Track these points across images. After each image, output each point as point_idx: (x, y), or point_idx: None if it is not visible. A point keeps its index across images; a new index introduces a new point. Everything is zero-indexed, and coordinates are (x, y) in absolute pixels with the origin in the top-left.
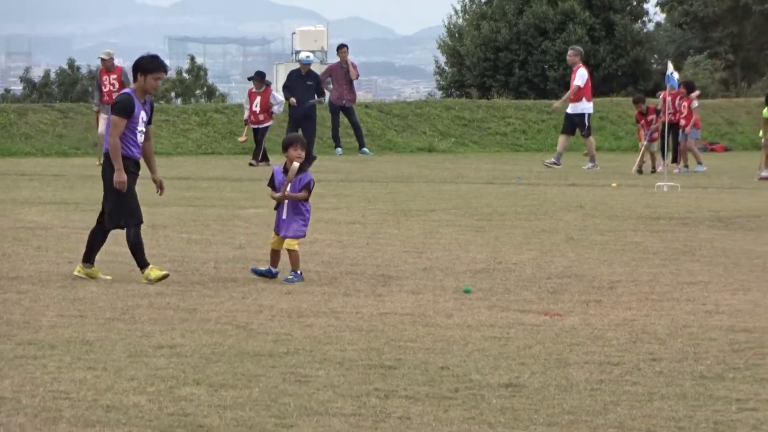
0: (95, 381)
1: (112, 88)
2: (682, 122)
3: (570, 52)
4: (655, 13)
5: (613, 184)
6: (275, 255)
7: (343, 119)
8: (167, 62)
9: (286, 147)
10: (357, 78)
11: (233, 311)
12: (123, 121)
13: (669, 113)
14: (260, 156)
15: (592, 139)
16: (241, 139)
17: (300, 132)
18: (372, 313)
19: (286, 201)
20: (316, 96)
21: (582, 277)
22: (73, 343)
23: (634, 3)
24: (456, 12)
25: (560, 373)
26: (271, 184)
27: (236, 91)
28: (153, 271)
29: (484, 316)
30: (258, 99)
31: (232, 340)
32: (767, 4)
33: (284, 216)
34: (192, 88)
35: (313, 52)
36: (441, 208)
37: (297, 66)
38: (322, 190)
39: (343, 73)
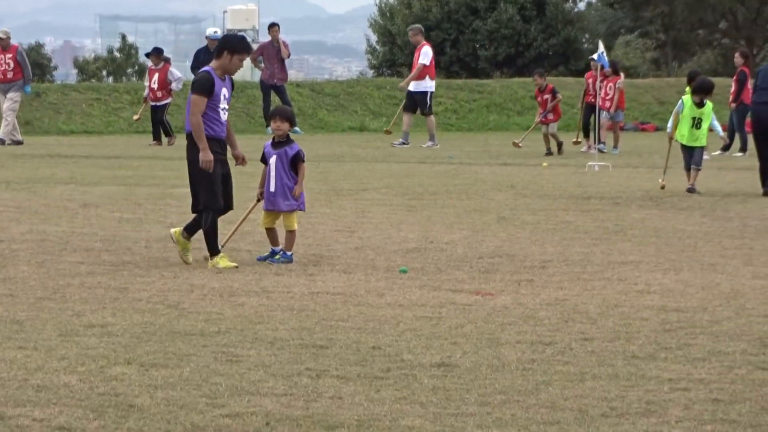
0: (26, 360)
1: (6, 67)
2: (607, 104)
3: (410, 32)
4: None
5: (544, 164)
6: (271, 234)
7: (274, 98)
8: (98, 41)
9: (268, 121)
10: (288, 57)
11: (164, 290)
12: (204, 99)
13: (591, 93)
14: (168, 132)
15: (432, 117)
16: (135, 117)
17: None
18: (303, 292)
19: (273, 174)
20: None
21: (513, 256)
22: (4, 322)
23: None
24: None
25: (492, 353)
26: (263, 159)
27: None
28: (222, 260)
29: (415, 296)
30: (156, 76)
31: (163, 320)
32: None
33: (272, 188)
34: (123, 67)
35: (244, 30)
36: (373, 188)
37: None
38: (252, 168)
39: (274, 52)
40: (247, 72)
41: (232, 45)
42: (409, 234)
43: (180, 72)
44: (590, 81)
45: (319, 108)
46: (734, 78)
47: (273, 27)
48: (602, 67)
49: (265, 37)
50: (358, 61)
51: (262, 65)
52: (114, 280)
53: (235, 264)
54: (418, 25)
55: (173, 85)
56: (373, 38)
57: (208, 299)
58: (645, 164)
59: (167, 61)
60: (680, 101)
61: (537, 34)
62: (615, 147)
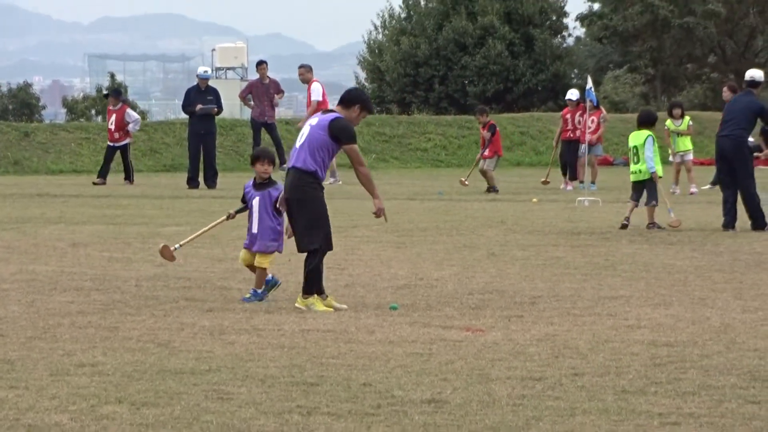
0: (17, 400)
1: None
2: (589, 138)
3: (300, 69)
4: (574, 28)
5: (534, 200)
6: (253, 269)
7: (265, 136)
8: (87, 80)
9: (253, 161)
10: (281, 97)
11: (155, 329)
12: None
13: (569, 129)
14: (130, 175)
15: None
16: None
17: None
18: (294, 330)
19: (255, 216)
20: (215, 109)
21: (503, 292)
22: None
23: (554, 18)
24: (376, 28)
25: (482, 389)
26: (244, 200)
27: (156, 108)
28: (318, 303)
29: (405, 332)
30: (114, 117)
31: (153, 358)
32: (686, 19)
33: (255, 230)
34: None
35: (233, 68)
36: (363, 224)
37: (225, 81)
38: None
39: (264, 90)
40: (236, 109)
41: (366, 103)
42: (399, 271)
43: (169, 108)
44: (567, 117)
45: None
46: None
47: (261, 65)
48: (591, 103)
49: (253, 75)
50: None
51: (252, 103)
52: (104, 320)
53: (338, 307)
54: (308, 64)
55: (130, 127)
56: (362, 75)
57: (198, 337)
58: None
59: (125, 102)
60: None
61: (525, 70)
62: (593, 182)
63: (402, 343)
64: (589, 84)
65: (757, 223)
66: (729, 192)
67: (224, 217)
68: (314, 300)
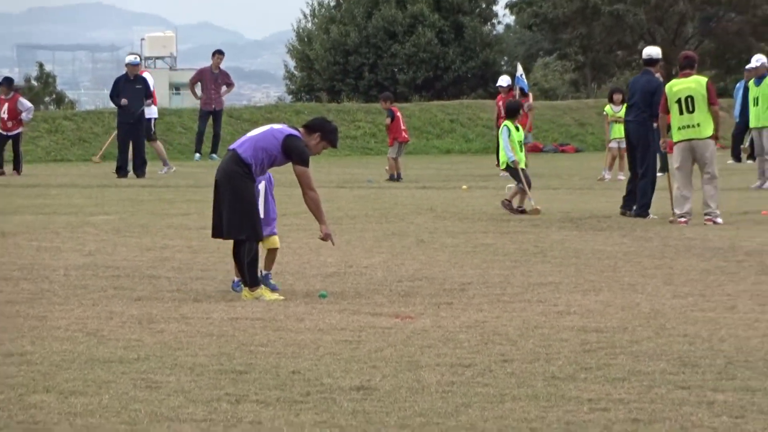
0: None
1: None
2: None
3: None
4: (504, 15)
5: (464, 187)
6: (272, 255)
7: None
8: (16, 70)
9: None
10: (230, 90)
11: (83, 318)
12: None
13: (504, 117)
14: (18, 165)
15: (159, 143)
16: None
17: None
18: (222, 318)
19: (270, 198)
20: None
21: (433, 279)
22: None
23: (483, 5)
24: (305, 16)
25: (412, 376)
26: None
27: (85, 97)
28: (267, 292)
29: (335, 320)
30: (6, 106)
31: (82, 347)
32: (616, 6)
33: (273, 214)
34: (41, 95)
35: (162, 58)
36: (292, 213)
37: (154, 71)
38: (172, 195)
39: (212, 79)
40: (165, 100)
41: (328, 135)
42: (328, 258)
43: (99, 98)
44: (500, 104)
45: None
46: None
47: (216, 54)
48: (521, 90)
49: (184, 64)
50: (276, 86)
51: (199, 93)
52: (32, 309)
53: (282, 297)
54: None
55: (23, 115)
56: (291, 64)
57: (127, 326)
58: (564, 186)
59: (17, 91)
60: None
61: (455, 58)
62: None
63: (331, 331)
64: (519, 71)
65: (641, 211)
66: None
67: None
68: (263, 290)
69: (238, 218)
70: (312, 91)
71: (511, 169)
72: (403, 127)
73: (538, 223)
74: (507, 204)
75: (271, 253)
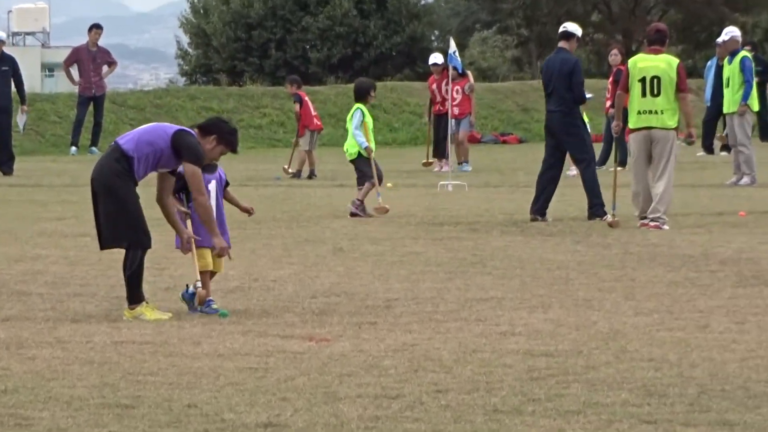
0: None
1: None
2: (455, 111)
3: None
4: None
5: (388, 185)
6: (206, 279)
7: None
8: None
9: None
10: (113, 69)
11: None
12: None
13: (439, 102)
14: None
15: None
16: None
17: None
18: (105, 342)
19: (215, 201)
20: (12, 82)
21: (353, 294)
22: None
23: None
24: None
25: (328, 410)
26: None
27: None
28: (149, 310)
29: (238, 344)
30: None
31: None
32: None
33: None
34: None
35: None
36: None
37: (23, 49)
38: (44, 196)
39: (90, 58)
40: (36, 83)
41: (226, 136)
42: (229, 271)
43: None
44: (434, 87)
45: (122, 123)
46: (610, 79)
47: (93, 29)
48: (455, 69)
49: (58, 41)
50: (167, 66)
51: (76, 78)
52: None
53: (168, 315)
54: None
55: None
56: (185, 40)
57: None
58: (507, 183)
59: None
60: None
61: (377, 32)
62: (465, 162)
63: (233, 357)
64: (453, 48)
65: (595, 210)
66: (549, 175)
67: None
68: (143, 308)
69: (113, 223)
70: (209, 72)
71: (361, 160)
72: (314, 113)
73: (477, 228)
74: (359, 205)
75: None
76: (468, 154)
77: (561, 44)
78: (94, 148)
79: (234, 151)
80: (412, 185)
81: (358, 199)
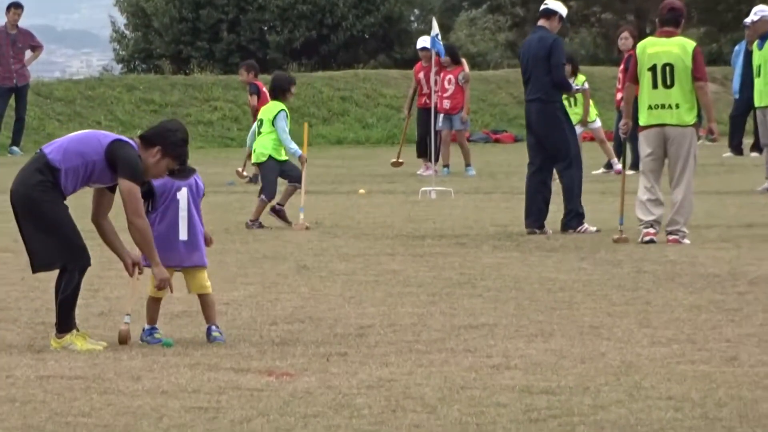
0: None
1: None
2: (445, 104)
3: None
4: None
5: (361, 191)
6: (155, 306)
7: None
8: None
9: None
10: (38, 54)
11: None
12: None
13: (426, 94)
14: None
15: None
16: None
17: None
18: (29, 376)
19: (184, 212)
20: None
21: (320, 320)
22: None
23: None
24: None
25: None
26: (150, 193)
27: None
28: (80, 340)
29: (184, 379)
30: None
31: None
32: None
33: (184, 236)
34: None
35: None
36: (123, 227)
37: None
38: None
39: (10, 42)
40: None
41: (171, 148)
42: (174, 293)
43: None
44: (421, 76)
45: (47, 118)
46: (620, 67)
47: (13, 8)
48: (438, 56)
49: None
50: (101, 52)
51: None
52: None
53: (102, 345)
54: None
55: None
56: (121, 21)
57: None
58: (500, 189)
59: None
60: None
61: (347, 11)
62: (468, 165)
63: (179, 394)
64: (435, 30)
65: (570, 221)
66: (537, 179)
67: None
68: (73, 338)
69: (42, 243)
70: (150, 58)
71: (270, 165)
72: None
73: (465, 243)
74: (279, 210)
75: (206, 299)
76: (470, 154)
77: (541, 23)
78: (15, 148)
79: (182, 164)
80: (388, 191)
81: (279, 204)
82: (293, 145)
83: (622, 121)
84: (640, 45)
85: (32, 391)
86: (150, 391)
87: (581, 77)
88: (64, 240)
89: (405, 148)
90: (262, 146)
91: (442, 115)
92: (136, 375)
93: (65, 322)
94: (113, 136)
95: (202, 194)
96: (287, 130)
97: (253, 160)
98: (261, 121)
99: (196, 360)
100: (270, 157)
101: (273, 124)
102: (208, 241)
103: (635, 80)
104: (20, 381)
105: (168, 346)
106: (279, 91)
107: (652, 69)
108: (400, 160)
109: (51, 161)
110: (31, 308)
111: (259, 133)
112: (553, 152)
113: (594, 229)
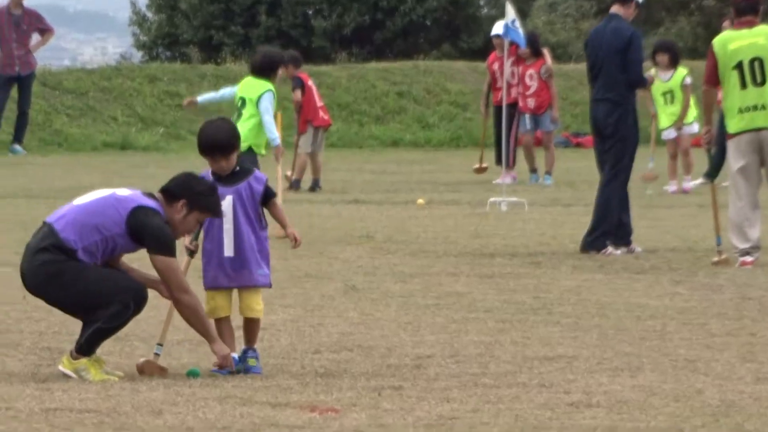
0: None
1: None
2: (530, 103)
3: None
4: None
5: (420, 201)
6: (225, 326)
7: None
8: None
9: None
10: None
11: None
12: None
13: (500, 88)
14: None
15: None
16: None
17: None
18: (32, 409)
19: (229, 224)
20: None
21: (371, 349)
22: None
23: None
24: None
25: None
26: None
27: None
28: (95, 369)
29: (213, 414)
30: None
31: None
32: None
33: (230, 252)
34: None
35: None
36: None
37: None
38: None
39: (13, 25)
40: None
41: (198, 199)
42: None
43: None
44: (495, 67)
45: (55, 113)
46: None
47: None
48: (514, 46)
49: None
50: (119, 37)
51: None
52: None
53: (118, 375)
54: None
55: None
56: (142, 1)
57: None
58: (581, 200)
59: None
60: None
61: None
62: (547, 173)
63: None
64: (510, 16)
65: (594, 240)
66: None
67: (187, 257)
68: (89, 363)
69: (88, 297)
70: (176, 44)
71: (251, 157)
72: (319, 104)
73: (540, 261)
74: None
75: (252, 324)
76: (554, 162)
77: (614, 10)
78: (17, 147)
79: (216, 214)
80: (452, 202)
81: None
82: (275, 132)
83: (704, 129)
84: (718, 41)
85: (37, 426)
86: (173, 428)
87: (682, 70)
88: (112, 283)
89: (484, 151)
90: (242, 134)
91: (527, 116)
92: (156, 409)
93: (89, 347)
94: (132, 199)
95: (261, 197)
96: (272, 114)
97: (259, 150)
98: (243, 100)
99: (227, 392)
100: (250, 148)
101: (257, 106)
102: (293, 241)
103: (715, 82)
104: (23, 414)
105: (194, 375)
106: (268, 69)
107: (738, 67)
108: (484, 165)
109: (65, 241)
110: (35, 331)
111: (239, 115)
112: (608, 159)
113: (619, 252)
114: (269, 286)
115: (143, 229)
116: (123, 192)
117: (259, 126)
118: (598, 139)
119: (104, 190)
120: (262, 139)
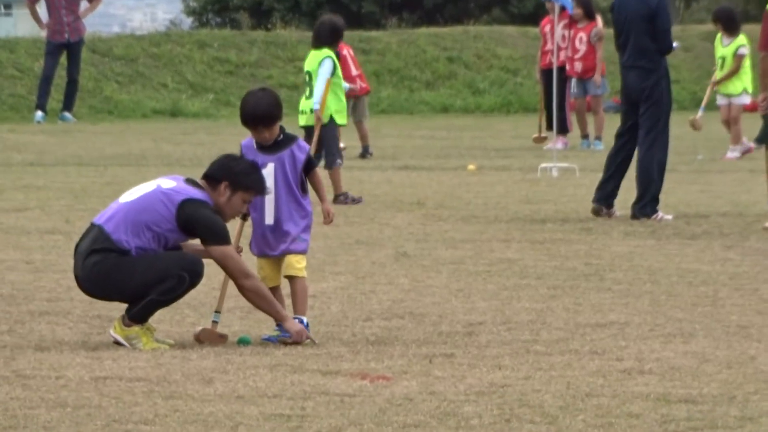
0: None
1: None
2: (578, 67)
3: None
4: None
5: (471, 167)
6: (275, 296)
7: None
8: None
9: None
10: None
11: None
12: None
13: (551, 51)
14: None
15: None
16: None
17: None
18: (82, 377)
19: (270, 196)
20: None
21: (422, 316)
22: None
23: None
24: None
25: None
26: None
27: None
28: (147, 338)
29: (264, 382)
30: None
31: None
32: None
33: (270, 220)
34: None
35: None
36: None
37: None
38: (1, 179)
39: None
40: None
41: (239, 178)
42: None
43: None
44: (547, 30)
45: (105, 80)
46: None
47: None
48: (564, 10)
49: None
50: (167, 3)
51: (43, 19)
52: None
53: (170, 342)
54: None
55: None
56: None
57: None
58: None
59: None
60: None
61: None
62: (597, 138)
63: (257, 400)
64: None
65: (642, 207)
66: (623, 154)
67: (241, 220)
68: (141, 332)
69: (147, 280)
70: (225, 10)
71: (330, 127)
72: (356, 73)
73: (591, 227)
74: (344, 198)
75: (295, 284)
76: (603, 127)
77: None
78: (67, 114)
79: (260, 192)
80: (503, 168)
81: (339, 194)
82: (318, 96)
83: (761, 96)
84: None
85: (86, 395)
86: (223, 396)
87: (741, 38)
88: (167, 261)
89: (543, 119)
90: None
91: (574, 80)
92: (207, 377)
93: (142, 315)
94: (178, 191)
95: (302, 165)
96: (326, 79)
97: (302, 122)
98: (309, 74)
99: (278, 360)
100: (331, 118)
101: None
102: (325, 217)
103: None
104: (72, 383)
105: (245, 343)
106: (326, 38)
107: None
108: (544, 135)
109: (117, 243)
110: (85, 299)
111: (309, 89)
112: (642, 126)
113: (670, 217)
114: (304, 252)
115: (195, 222)
116: (167, 183)
117: (338, 98)
118: (627, 106)
119: (148, 183)
120: (344, 111)
